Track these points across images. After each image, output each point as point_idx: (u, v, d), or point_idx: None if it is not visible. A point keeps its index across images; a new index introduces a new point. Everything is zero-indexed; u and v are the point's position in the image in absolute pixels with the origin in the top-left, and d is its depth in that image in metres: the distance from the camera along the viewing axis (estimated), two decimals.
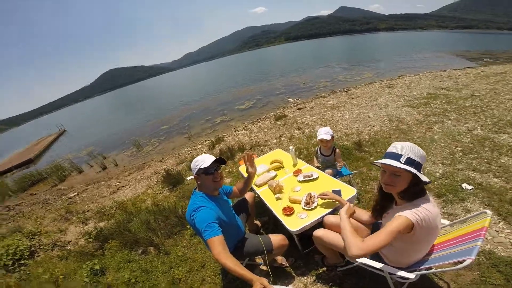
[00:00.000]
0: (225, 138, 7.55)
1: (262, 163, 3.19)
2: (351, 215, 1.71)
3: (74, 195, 7.42)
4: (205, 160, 1.85)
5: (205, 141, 8.40)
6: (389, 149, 1.40)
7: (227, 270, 1.46)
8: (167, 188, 5.13)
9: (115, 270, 3.07)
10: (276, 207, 2.34)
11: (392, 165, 1.33)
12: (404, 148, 1.35)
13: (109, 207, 5.17)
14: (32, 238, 4.57)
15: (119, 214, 4.57)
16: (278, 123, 7.34)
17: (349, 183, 3.01)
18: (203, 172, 1.84)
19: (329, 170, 2.90)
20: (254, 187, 2.79)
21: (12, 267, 3.78)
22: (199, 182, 1.90)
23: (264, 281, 1.35)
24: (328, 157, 3.05)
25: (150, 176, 6.59)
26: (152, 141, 11.40)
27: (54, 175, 10.28)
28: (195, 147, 8.03)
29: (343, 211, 1.66)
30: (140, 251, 3.26)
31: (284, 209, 2.23)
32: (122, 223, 3.91)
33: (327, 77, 15.53)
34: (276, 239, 2.03)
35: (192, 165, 1.90)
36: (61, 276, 3.20)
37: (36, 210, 6.96)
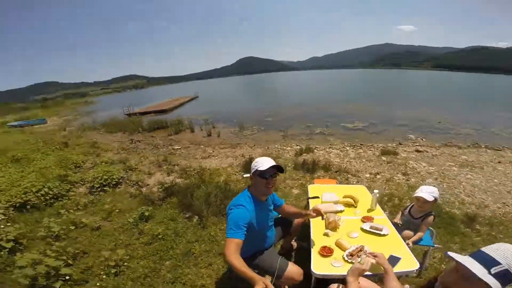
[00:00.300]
0: (315, 151, 7.11)
1: (334, 192, 2.73)
2: (360, 274, 1.49)
3: (177, 148, 8.80)
4: (263, 163, 1.85)
5: (296, 145, 8.21)
6: (487, 249, 0.96)
7: (232, 268, 1.53)
8: (242, 173, 5.31)
9: (157, 222, 3.38)
10: (316, 242, 2.05)
11: (472, 272, 0.89)
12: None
13: (193, 169, 5.78)
14: (127, 171, 5.62)
15: (195, 177, 5.04)
16: (383, 158, 6.25)
17: (424, 254, 2.44)
18: (259, 174, 1.85)
19: (409, 232, 2.35)
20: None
21: (94, 190, 4.68)
22: (252, 182, 1.93)
23: (267, 281, 1.38)
24: (415, 220, 2.42)
25: (237, 157, 6.99)
26: (253, 127, 12.16)
27: (174, 127, 12.60)
28: (284, 147, 7.99)
29: (350, 271, 1.47)
30: (186, 216, 3.47)
31: (323, 248, 1.93)
32: (191, 186, 4.25)
33: (475, 124, 11.97)
34: (293, 270, 1.92)
35: (252, 164, 1.91)
36: (117, 210, 3.78)
37: (147, 150, 8.66)
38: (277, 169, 1.87)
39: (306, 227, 2.54)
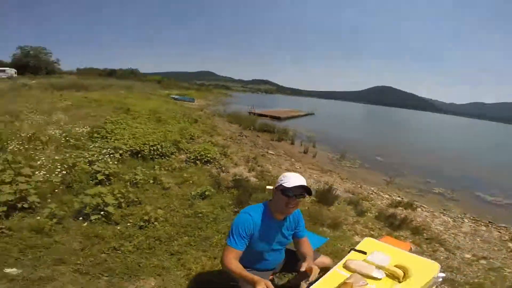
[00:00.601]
0: (418, 210, 5.77)
1: (390, 256, 2.15)
2: None
3: (270, 153, 9.21)
4: (291, 179, 1.67)
5: (398, 196, 6.93)
6: None
7: (230, 272, 1.54)
8: (314, 198, 4.97)
9: (209, 204, 3.63)
10: None
11: None
12: None
13: (270, 175, 5.91)
14: (221, 155, 6.32)
15: (266, 182, 5.11)
16: (510, 244, 4.44)
17: None
18: (282, 190, 1.67)
19: None
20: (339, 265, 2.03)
21: (189, 160, 5.47)
22: (273, 196, 1.78)
23: (268, 282, 1.37)
24: None
25: (319, 182, 6.62)
26: (356, 161, 11.12)
27: (278, 134, 13.32)
28: (381, 193, 6.91)
29: None
30: (235, 209, 3.62)
31: None
32: (257, 188, 4.38)
33: None
34: None
35: (278, 178, 1.77)
36: (191, 181, 4.28)
37: (246, 145, 9.48)
38: (305, 190, 1.68)
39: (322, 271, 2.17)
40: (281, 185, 1.68)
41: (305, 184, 1.68)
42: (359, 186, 7.30)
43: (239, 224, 1.67)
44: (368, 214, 4.80)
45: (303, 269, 1.67)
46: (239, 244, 1.62)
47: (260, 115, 21.73)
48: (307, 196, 1.75)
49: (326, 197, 4.90)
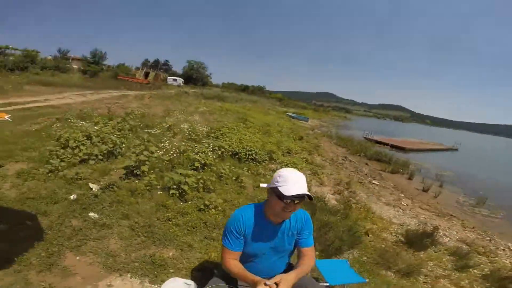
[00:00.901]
0: None
1: None
2: None
3: (373, 183, 8.21)
4: (289, 183, 1.40)
5: None
6: None
7: (231, 273, 1.49)
8: (402, 238, 4.19)
9: None
10: None
11: None
12: None
13: (356, 203, 5.39)
14: (310, 173, 6.36)
15: (356, 214, 4.72)
16: None
17: None
18: (277, 194, 1.42)
19: None
20: None
21: (274, 169, 5.68)
22: (268, 196, 1.54)
23: (270, 282, 1.32)
24: None
25: (425, 224, 5.39)
26: (499, 211, 8.28)
27: (393, 165, 11.61)
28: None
29: None
30: None
31: None
32: (328, 209, 4.21)
33: None
34: None
35: (274, 175, 1.52)
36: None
37: (347, 170, 8.91)
38: (307, 196, 1.42)
39: None
40: (276, 188, 1.42)
41: (306, 192, 1.40)
42: (487, 238, 5.55)
43: (230, 224, 1.56)
44: (473, 271, 3.61)
45: (272, 281, 1.35)
46: (233, 244, 1.52)
47: (378, 142, 19.50)
48: (308, 199, 1.44)
49: (420, 240, 4.00)
